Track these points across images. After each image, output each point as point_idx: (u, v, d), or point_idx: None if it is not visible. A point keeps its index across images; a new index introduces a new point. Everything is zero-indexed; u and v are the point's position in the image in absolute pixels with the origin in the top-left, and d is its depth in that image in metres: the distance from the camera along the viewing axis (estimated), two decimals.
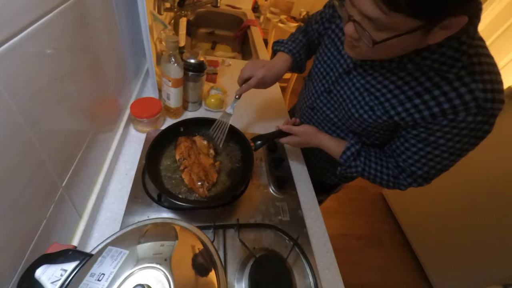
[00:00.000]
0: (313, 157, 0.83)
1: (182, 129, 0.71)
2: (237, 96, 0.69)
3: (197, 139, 0.70)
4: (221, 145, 0.68)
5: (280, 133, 0.69)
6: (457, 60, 0.45)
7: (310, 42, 0.78)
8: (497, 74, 0.45)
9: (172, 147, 0.68)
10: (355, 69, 0.58)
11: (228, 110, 0.69)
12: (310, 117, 0.75)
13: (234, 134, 0.70)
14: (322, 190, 0.94)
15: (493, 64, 0.46)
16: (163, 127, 0.77)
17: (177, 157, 0.64)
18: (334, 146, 0.66)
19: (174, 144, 0.68)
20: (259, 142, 0.67)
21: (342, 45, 0.62)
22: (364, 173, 0.63)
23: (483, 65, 0.44)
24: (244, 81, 0.68)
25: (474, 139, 0.48)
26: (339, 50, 0.62)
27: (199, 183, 0.59)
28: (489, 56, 0.46)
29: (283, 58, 0.71)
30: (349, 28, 0.44)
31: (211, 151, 0.68)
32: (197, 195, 0.59)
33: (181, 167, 0.62)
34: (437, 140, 0.50)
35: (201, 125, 0.73)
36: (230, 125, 0.69)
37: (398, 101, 0.52)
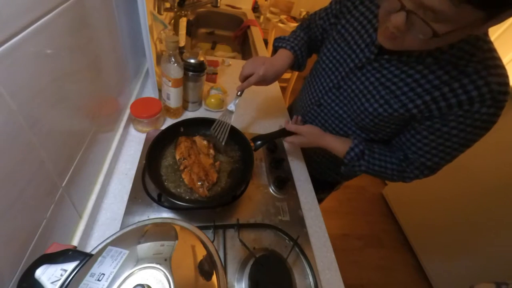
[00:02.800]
0: (315, 155, 0.83)
1: (182, 129, 0.71)
2: (238, 93, 0.69)
3: (197, 139, 0.70)
4: (223, 143, 0.67)
5: (281, 133, 0.69)
6: (473, 54, 0.47)
7: (312, 39, 0.77)
8: (505, 69, 0.48)
9: (172, 147, 0.68)
10: (369, 63, 0.58)
11: (230, 107, 0.68)
12: (316, 115, 0.74)
13: (234, 134, 0.70)
14: (323, 188, 0.94)
15: (501, 60, 0.48)
16: (163, 127, 0.78)
17: (177, 157, 0.64)
18: (338, 145, 0.66)
19: (174, 144, 0.68)
20: (259, 142, 0.68)
21: (353, 41, 0.62)
22: (368, 171, 0.63)
23: (496, 60, 0.47)
24: (245, 78, 0.68)
25: (484, 130, 0.50)
26: (350, 45, 0.62)
27: (199, 183, 0.59)
28: (497, 53, 0.49)
29: (285, 55, 0.71)
30: (399, 18, 0.41)
31: (211, 151, 0.68)
32: (197, 195, 0.59)
33: (181, 167, 0.62)
34: (450, 131, 0.51)
35: (201, 125, 0.73)
36: (235, 128, 0.69)
37: (415, 94, 0.52)
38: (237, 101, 0.69)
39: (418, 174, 0.60)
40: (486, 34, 0.48)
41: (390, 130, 0.61)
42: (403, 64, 0.54)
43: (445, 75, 0.49)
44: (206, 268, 0.35)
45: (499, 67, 0.47)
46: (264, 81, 0.68)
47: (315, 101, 0.73)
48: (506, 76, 0.47)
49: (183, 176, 0.61)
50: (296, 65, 0.75)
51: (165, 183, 0.60)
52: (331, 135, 0.69)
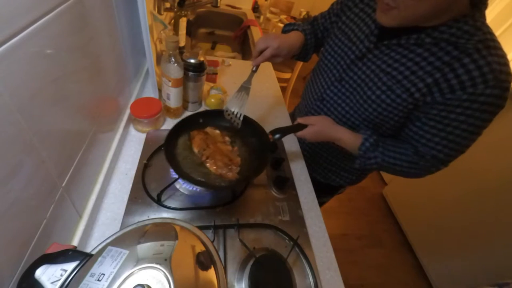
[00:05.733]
0: (319, 159, 0.83)
1: (201, 120, 0.70)
2: (254, 69, 0.67)
3: (209, 130, 0.69)
4: (241, 118, 0.65)
5: (298, 127, 0.67)
6: (473, 34, 0.48)
7: (316, 34, 0.79)
8: (505, 53, 0.49)
9: (185, 138, 0.66)
10: (370, 52, 0.59)
11: (246, 83, 0.66)
12: (319, 110, 0.74)
13: (251, 125, 0.68)
14: (326, 192, 0.93)
15: (500, 44, 0.49)
16: (163, 127, 0.78)
17: (196, 150, 0.63)
18: (351, 137, 0.64)
19: (187, 137, 0.67)
20: (277, 135, 0.65)
21: (353, 34, 0.63)
22: (383, 164, 0.62)
23: (496, 43, 0.49)
24: (259, 53, 0.66)
25: (492, 115, 0.49)
26: (350, 38, 0.63)
27: (227, 168, 0.59)
28: (496, 38, 0.50)
29: (296, 34, 0.72)
30: None
31: (227, 138, 0.67)
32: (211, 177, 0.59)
33: (203, 158, 0.61)
34: (458, 117, 0.50)
35: (220, 117, 0.69)
36: (249, 117, 0.67)
37: (417, 77, 0.52)
38: (252, 77, 0.67)
39: (430, 167, 0.59)
40: (484, 19, 0.49)
41: (394, 123, 0.61)
42: (403, 48, 0.54)
43: (446, 55, 0.49)
44: (206, 268, 0.35)
45: (499, 49, 0.48)
46: (278, 55, 0.66)
47: (318, 97, 0.73)
48: (506, 58, 0.48)
49: (208, 166, 0.60)
50: (303, 50, 0.75)
51: (184, 170, 0.59)
52: (343, 127, 0.66)
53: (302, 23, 0.79)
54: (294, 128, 0.67)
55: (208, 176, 0.59)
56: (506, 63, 0.47)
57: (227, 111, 0.66)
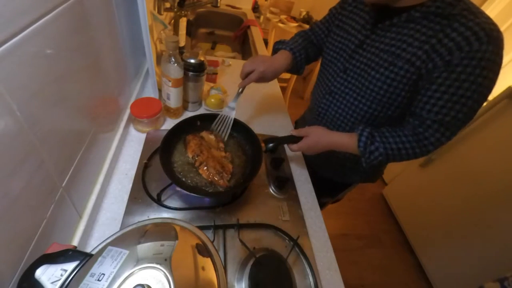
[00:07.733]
0: (332, 157, 0.81)
1: (199, 123, 0.72)
2: (240, 90, 0.72)
3: (204, 134, 0.70)
4: (225, 139, 0.70)
5: (292, 138, 0.67)
6: (455, 5, 0.52)
7: (314, 44, 0.81)
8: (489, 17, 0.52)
9: (180, 143, 0.68)
10: (368, 37, 0.62)
11: (231, 104, 0.71)
12: (328, 103, 0.75)
13: (246, 133, 0.71)
14: (338, 189, 0.97)
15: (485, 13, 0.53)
16: (163, 127, 0.78)
17: (190, 155, 0.64)
18: (346, 139, 0.64)
19: (182, 141, 0.68)
20: (270, 144, 0.66)
21: (350, 27, 0.67)
22: (388, 152, 0.61)
23: (479, 9, 0.53)
24: (246, 75, 0.70)
25: (492, 73, 0.51)
26: (348, 31, 0.67)
27: (219, 175, 0.60)
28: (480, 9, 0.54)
29: (284, 55, 0.74)
30: None
31: (221, 144, 0.69)
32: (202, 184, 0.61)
33: (196, 164, 0.62)
34: (459, 77, 0.52)
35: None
36: (245, 124, 0.71)
37: (414, 47, 0.56)
38: (238, 97, 0.71)
39: (439, 137, 0.58)
40: None
41: (401, 99, 0.61)
42: (396, 27, 0.58)
43: (437, 25, 0.54)
44: (206, 268, 0.35)
45: (484, 14, 0.51)
46: (263, 78, 0.70)
47: (326, 91, 0.75)
48: (491, 19, 0.51)
49: (200, 172, 0.61)
50: (294, 67, 0.78)
51: (179, 176, 0.60)
52: (336, 132, 0.67)
53: (294, 38, 0.81)
54: (288, 139, 0.68)
55: (201, 182, 0.61)
56: (494, 23, 0.50)
57: (216, 128, 0.72)
